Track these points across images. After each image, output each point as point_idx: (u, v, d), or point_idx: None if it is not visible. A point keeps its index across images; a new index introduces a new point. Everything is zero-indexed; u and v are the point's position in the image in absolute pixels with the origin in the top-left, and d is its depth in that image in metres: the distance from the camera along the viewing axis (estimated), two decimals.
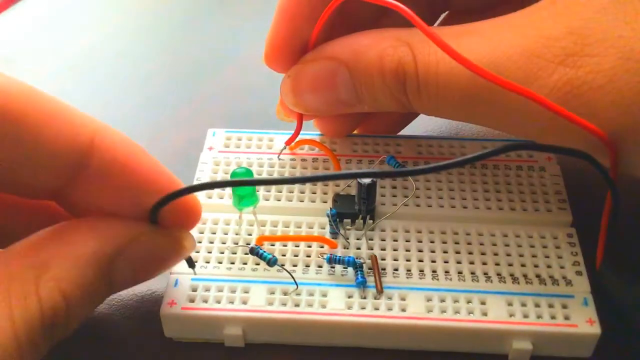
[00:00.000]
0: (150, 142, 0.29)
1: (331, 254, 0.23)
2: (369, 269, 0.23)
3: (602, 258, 0.23)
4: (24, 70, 0.35)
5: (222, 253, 0.24)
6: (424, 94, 0.22)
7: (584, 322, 0.22)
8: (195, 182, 0.26)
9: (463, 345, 0.23)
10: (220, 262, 0.24)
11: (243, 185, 0.22)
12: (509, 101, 0.20)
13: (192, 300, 0.23)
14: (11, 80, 0.19)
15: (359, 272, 0.23)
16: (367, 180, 0.23)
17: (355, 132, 0.28)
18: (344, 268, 0.23)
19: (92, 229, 0.20)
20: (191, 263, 0.23)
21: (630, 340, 0.23)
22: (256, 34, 0.33)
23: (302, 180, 0.25)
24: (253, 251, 0.23)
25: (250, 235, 0.25)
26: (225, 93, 0.32)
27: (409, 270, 0.23)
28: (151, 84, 0.35)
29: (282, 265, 0.23)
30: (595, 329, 0.22)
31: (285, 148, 0.27)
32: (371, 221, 0.24)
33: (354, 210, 0.24)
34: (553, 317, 0.22)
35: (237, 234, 0.25)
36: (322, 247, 0.24)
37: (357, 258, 0.23)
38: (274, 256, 0.23)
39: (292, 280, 0.23)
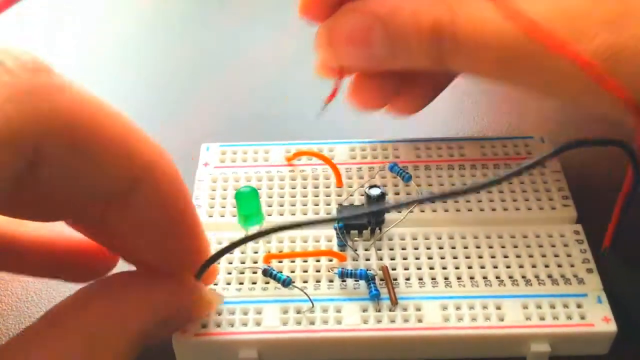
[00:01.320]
0: None
1: (342, 268, 0.23)
2: (381, 280, 0.23)
3: (610, 242, 0.23)
4: None
5: (230, 274, 0.24)
6: (461, 53, 0.21)
7: (599, 320, 0.22)
8: (195, 201, 0.26)
9: (481, 351, 0.22)
10: (229, 284, 0.23)
11: (285, 230, 0.21)
12: (548, 61, 0.20)
13: (204, 326, 0.22)
14: (79, 97, 0.17)
15: (371, 285, 0.23)
16: (376, 192, 0.22)
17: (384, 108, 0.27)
18: (355, 281, 0.23)
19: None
20: None
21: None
22: (256, 34, 0.34)
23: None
24: (266, 273, 0.23)
25: (256, 253, 0.24)
26: (225, 93, 0.32)
27: (421, 279, 0.23)
28: (151, 84, 0.34)
29: (293, 282, 0.23)
30: (612, 327, 0.22)
31: (325, 107, 0.25)
32: (379, 231, 0.24)
33: (361, 221, 0.24)
34: (569, 318, 0.22)
35: (242, 253, 0.24)
36: (330, 260, 0.24)
37: (367, 270, 0.23)
38: (287, 277, 0.22)
39: (304, 298, 0.22)
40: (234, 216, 0.25)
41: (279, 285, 0.23)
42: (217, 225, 0.25)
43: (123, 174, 0.17)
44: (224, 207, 0.26)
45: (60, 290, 0.25)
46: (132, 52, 0.37)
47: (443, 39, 0.21)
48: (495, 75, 0.23)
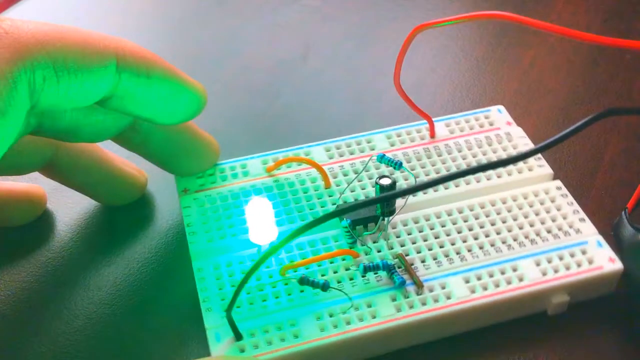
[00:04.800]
0: None
1: (364, 263, 0.23)
2: (398, 267, 0.24)
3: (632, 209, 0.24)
4: None
5: (249, 294, 0.23)
6: None
7: (606, 262, 0.24)
8: (187, 228, 0.25)
9: (507, 314, 0.23)
10: (252, 303, 0.23)
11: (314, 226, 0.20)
12: None
13: (242, 350, 0.22)
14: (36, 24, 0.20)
15: (394, 274, 0.23)
16: (387, 182, 0.23)
17: None
18: (375, 274, 0.23)
19: None
20: (237, 334, 0.22)
21: None
22: (256, 34, 0.34)
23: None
24: (303, 281, 0.22)
25: (268, 267, 0.24)
26: (225, 93, 0.32)
27: (436, 259, 0.24)
28: None
29: (315, 281, 0.23)
30: (618, 265, 0.23)
31: None
32: (383, 222, 0.24)
33: (366, 215, 0.24)
34: (579, 265, 0.23)
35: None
36: (343, 259, 0.24)
37: (382, 259, 0.23)
38: (325, 280, 0.22)
39: (334, 300, 0.22)
40: (234, 236, 0.25)
41: (305, 294, 0.23)
42: (218, 249, 0.24)
43: (106, 53, 0.21)
44: (220, 229, 0.25)
45: (60, 291, 0.25)
46: None
47: None
48: None
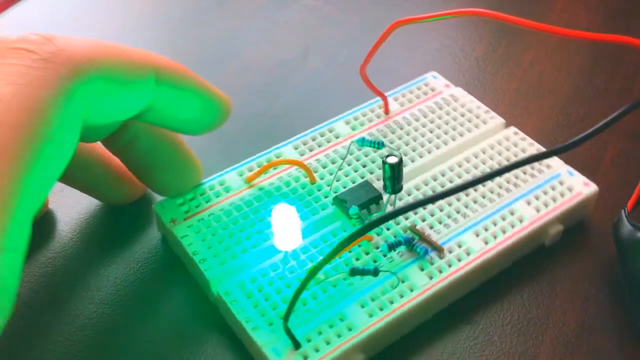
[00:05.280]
0: None
1: (386, 242, 0.24)
2: (413, 240, 0.24)
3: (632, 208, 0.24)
4: None
5: (285, 302, 0.23)
6: None
7: (583, 187, 0.26)
8: (195, 257, 0.24)
9: (516, 255, 0.25)
10: (295, 311, 0.22)
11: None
12: None
13: (305, 357, 0.21)
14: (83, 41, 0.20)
15: (415, 245, 0.24)
16: (394, 160, 0.23)
17: None
18: (393, 250, 0.24)
19: None
20: (296, 343, 0.22)
21: None
22: (256, 34, 0.34)
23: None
24: (354, 271, 0.22)
25: (292, 273, 0.24)
26: (225, 93, 0.30)
27: (441, 222, 0.25)
28: None
29: (356, 268, 0.23)
30: (594, 187, 0.26)
31: None
32: (382, 201, 0.25)
33: (369, 197, 0.25)
34: (563, 195, 0.26)
35: (281, 279, 0.23)
36: (360, 246, 0.24)
37: (395, 236, 0.24)
38: (373, 266, 0.22)
39: (369, 286, 0.23)
40: (245, 252, 0.24)
41: (337, 287, 0.23)
42: (234, 269, 0.24)
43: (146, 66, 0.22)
44: (228, 249, 0.24)
45: (60, 289, 0.25)
46: None
47: None
48: None
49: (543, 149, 0.27)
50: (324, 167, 0.27)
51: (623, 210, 0.24)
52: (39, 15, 0.38)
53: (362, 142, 0.26)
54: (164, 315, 0.24)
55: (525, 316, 0.24)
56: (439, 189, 0.26)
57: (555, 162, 0.27)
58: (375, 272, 0.22)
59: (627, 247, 0.24)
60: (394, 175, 0.23)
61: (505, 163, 0.27)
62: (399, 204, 0.26)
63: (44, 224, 0.27)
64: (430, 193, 0.26)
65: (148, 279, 0.25)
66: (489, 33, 0.36)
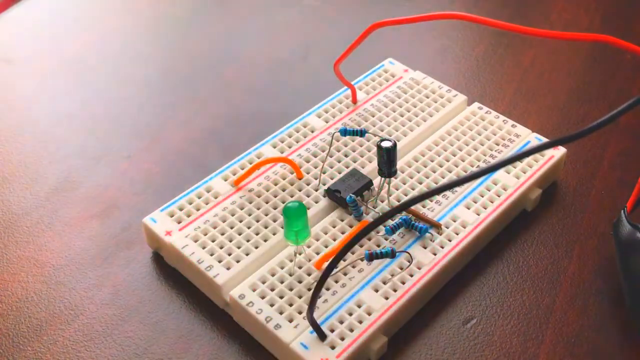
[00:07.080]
0: (152, 141, 0.30)
1: (388, 226, 0.24)
2: (411, 219, 0.25)
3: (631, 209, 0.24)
4: (24, 70, 0.35)
5: (300, 297, 0.23)
6: None
7: (552, 151, 0.28)
8: (201, 265, 0.24)
9: (505, 222, 0.26)
10: (313, 309, 0.23)
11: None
12: None
13: (333, 347, 0.22)
14: None
15: (414, 224, 0.25)
16: (388, 144, 0.24)
17: None
18: (394, 232, 0.25)
19: None
20: (321, 334, 0.22)
21: None
22: (256, 34, 0.34)
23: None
24: (372, 257, 0.23)
25: (300, 268, 0.24)
26: (225, 93, 0.31)
27: (432, 200, 0.26)
28: (151, 84, 0.34)
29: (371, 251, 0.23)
30: (563, 150, 0.28)
31: None
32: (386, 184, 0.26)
33: (361, 185, 0.25)
34: (536, 161, 0.27)
35: (290, 275, 0.23)
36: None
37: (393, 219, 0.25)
38: (390, 248, 0.23)
39: (378, 270, 0.23)
40: (248, 254, 0.24)
41: (349, 275, 0.23)
42: (242, 272, 0.24)
43: None
44: (230, 253, 0.24)
45: (60, 290, 0.25)
46: (131, 52, 0.35)
47: None
48: None
49: (510, 121, 0.29)
50: (308, 162, 0.27)
51: (623, 211, 0.24)
52: (39, 16, 0.37)
53: (345, 132, 0.27)
54: (164, 315, 0.24)
55: (525, 316, 0.24)
56: (423, 170, 0.27)
57: (521, 130, 0.29)
58: (392, 254, 0.23)
59: (627, 247, 0.23)
60: (390, 159, 0.24)
61: (478, 138, 0.28)
62: (413, 193, 0.26)
63: (43, 224, 0.27)
64: (416, 174, 0.27)
65: (148, 279, 0.25)
66: (489, 33, 0.36)
